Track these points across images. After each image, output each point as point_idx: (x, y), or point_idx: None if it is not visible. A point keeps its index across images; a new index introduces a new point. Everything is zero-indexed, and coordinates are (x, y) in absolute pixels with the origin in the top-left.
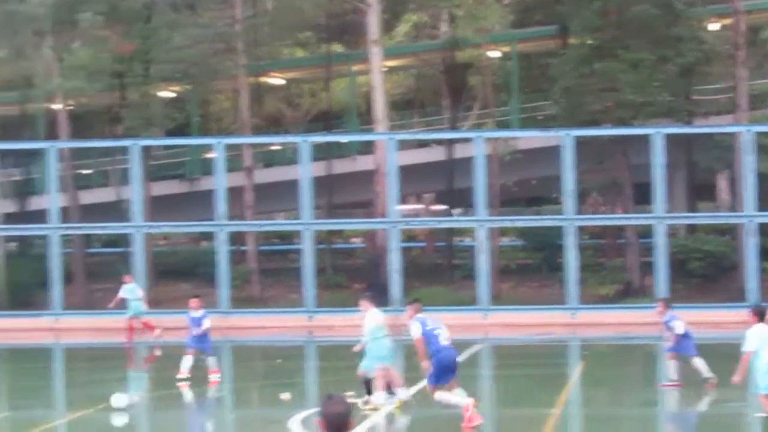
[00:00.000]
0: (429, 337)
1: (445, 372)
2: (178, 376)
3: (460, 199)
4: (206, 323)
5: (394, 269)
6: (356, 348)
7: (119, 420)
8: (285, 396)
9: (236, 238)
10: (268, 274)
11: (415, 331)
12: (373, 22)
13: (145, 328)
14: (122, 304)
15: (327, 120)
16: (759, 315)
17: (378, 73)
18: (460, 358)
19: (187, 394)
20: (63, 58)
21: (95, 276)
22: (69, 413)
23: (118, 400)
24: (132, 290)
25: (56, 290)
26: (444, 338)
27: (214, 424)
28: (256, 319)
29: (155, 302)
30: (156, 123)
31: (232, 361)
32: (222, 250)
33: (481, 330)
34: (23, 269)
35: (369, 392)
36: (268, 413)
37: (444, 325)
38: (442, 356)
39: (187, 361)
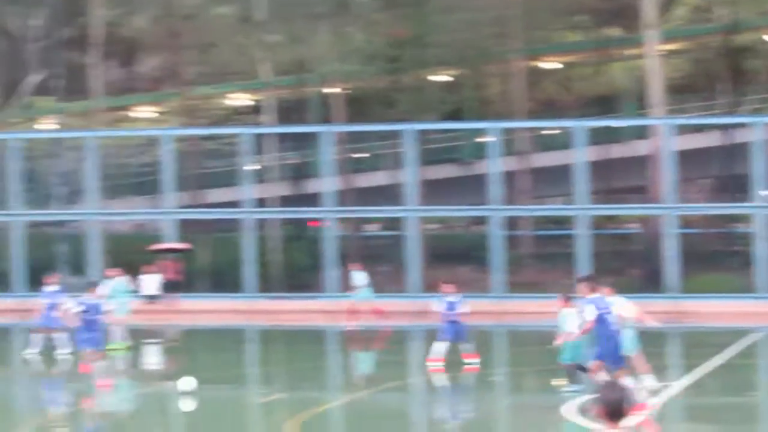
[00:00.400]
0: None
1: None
2: (430, 362)
3: (736, 185)
4: (462, 308)
5: (670, 255)
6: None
7: (396, 402)
8: (558, 382)
9: (511, 223)
10: (543, 259)
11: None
12: (649, 5)
13: (374, 313)
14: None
15: (602, 104)
16: None
17: (654, 57)
18: (736, 347)
19: (441, 379)
20: (338, 43)
21: (370, 259)
22: (343, 395)
23: (184, 383)
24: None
25: (331, 273)
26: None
27: (486, 410)
28: (531, 304)
29: (430, 287)
30: (430, 107)
31: (505, 346)
32: (496, 235)
33: (761, 318)
34: (299, 252)
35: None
36: (542, 399)
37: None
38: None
39: (439, 347)
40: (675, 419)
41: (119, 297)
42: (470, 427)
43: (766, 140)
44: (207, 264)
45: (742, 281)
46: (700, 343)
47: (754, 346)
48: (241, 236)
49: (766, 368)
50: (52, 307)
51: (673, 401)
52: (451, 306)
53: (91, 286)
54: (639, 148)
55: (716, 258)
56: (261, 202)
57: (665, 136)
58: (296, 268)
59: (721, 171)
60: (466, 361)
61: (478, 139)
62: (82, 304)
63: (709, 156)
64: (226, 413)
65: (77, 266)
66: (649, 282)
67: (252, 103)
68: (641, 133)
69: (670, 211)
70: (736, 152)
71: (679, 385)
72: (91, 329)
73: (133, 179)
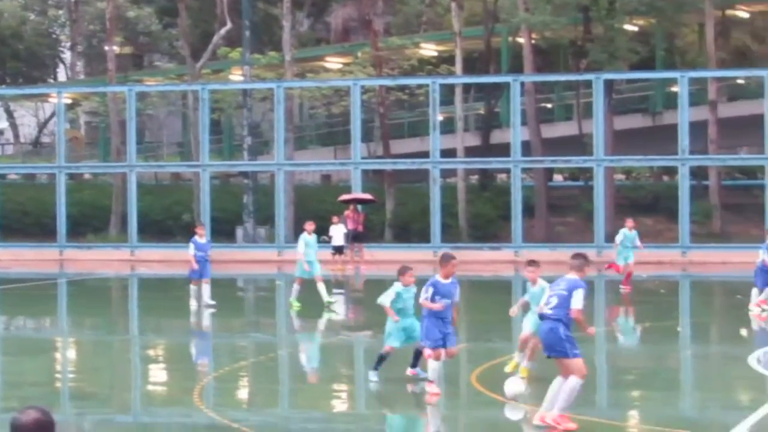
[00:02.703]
0: None
1: None
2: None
3: None
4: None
5: None
6: None
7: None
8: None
9: (699, 173)
10: (731, 210)
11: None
12: None
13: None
14: None
15: None
16: None
17: None
18: None
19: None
20: None
21: (556, 210)
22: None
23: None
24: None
25: (517, 224)
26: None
27: (676, 358)
28: (717, 254)
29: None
30: (620, 57)
31: (692, 297)
32: (684, 185)
33: None
34: (485, 202)
35: None
36: (727, 349)
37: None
38: None
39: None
40: None
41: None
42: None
43: None
44: (393, 215)
45: None
46: None
47: None
48: (428, 187)
49: None
50: (204, 258)
51: None
52: None
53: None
54: None
55: None
56: (448, 153)
57: None
58: (482, 219)
59: None
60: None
61: (668, 89)
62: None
63: None
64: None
65: (264, 217)
66: None
67: (441, 53)
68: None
69: None
70: None
71: None
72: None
73: (321, 130)
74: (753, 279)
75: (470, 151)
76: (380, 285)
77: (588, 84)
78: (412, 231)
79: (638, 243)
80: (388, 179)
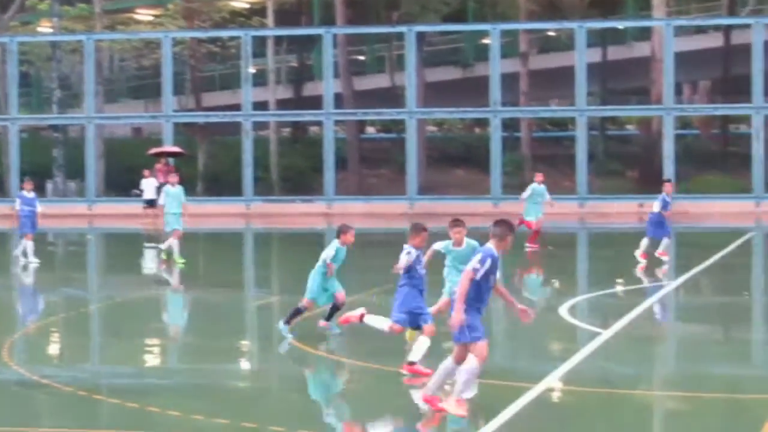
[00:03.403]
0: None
1: None
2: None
3: (736, 87)
4: None
5: (668, 156)
6: None
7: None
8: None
9: (510, 125)
10: (542, 161)
11: None
12: None
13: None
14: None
15: (604, 6)
16: None
17: None
18: (732, 247)
19: None
20: None
21: (369, 162)
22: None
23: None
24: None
25: (330, 176)
26: None
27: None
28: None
29: (427, 189)
30: (432, 8)
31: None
32: (495, 137)
33: (754, 218)
34: (297, 155)
35: None
36: (540, 300)
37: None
38: None
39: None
40: (669, 318)
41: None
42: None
43: (766, 41)
44: (205, 168)
45: (740, 182)
46: (696, 244)
47: (749, 246)
48: (240, 140)
49: (761, 267)
50: (30, 213)
51: (667, 299)
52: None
53: None
54: (639, 49)
55: (714, 159)
56: (260, 106)
57: (666, 37)
58: (295, 172)
59: (720, 72)
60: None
61: (480, 41)
62: None
63: (708, 57)
64: (219, 316)
65: (74, 171)
66: (646, 183)
67: (253, 5)
68: (642, 34)
69: (669, 112)
70: (736, 54)
71: (674, 284)
72: None
73: (132, 83)
74: (645, 228)
75: (283, 104)
76: (192, 238)
77: (400, 36)
78: (224, 184)
79: (548, 197)
80: (200, 132)
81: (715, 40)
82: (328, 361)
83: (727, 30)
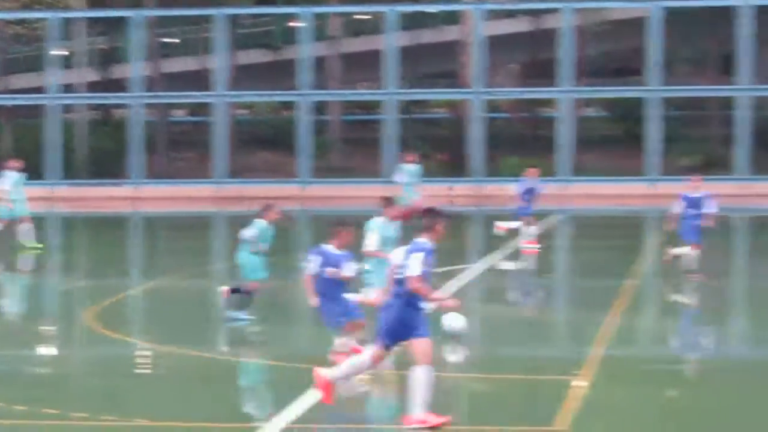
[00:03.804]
0: None
1: None
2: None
3: (544, 70)
4: None
5: (476, 139)
6: None
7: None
8: None
9: (320, 108)
10: (351, 144)
11: None
12: None
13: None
14: None
15: None
16: None
17: None
18: (541, 227)
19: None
20: None
21: (177, 145)
22: (145, 282)
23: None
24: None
25: (136, 159)
26: None
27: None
28: (336, 188)
29: (236, 172)
30: None
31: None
32: (305, 120)
33: (562, 200)
34: (105, 138)
35: None
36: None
37: None
38: None
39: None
40: (474, 300)
41: None
42: None
43: (573, 26)
44: (10, 150)
45: (546, 164)
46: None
47: (554, 228)
48: (46, 122)
49: (564, 249)
50: None
51: (471, 284)
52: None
53: None
54: (449, 33)
55: (521, 142)
56: (68, 88)
57: (475, 21)
58: (102, 154)
59: (529, 56)
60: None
61: (290, 24)
62: None
63: (517, 41)
64: (19, 302)
65: None
66: (455, 166)
67: None
68: (452, 18)
69: (477, 95)
70: (544, 38)
71: (477, 267)
72: None
73: None
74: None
75: (91, 87)
76: None
77: (211, 18)
78: (30, 167)
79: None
80: (5, 115)
81: (524, 24)
82: (130, 346)
83: (536, 14)
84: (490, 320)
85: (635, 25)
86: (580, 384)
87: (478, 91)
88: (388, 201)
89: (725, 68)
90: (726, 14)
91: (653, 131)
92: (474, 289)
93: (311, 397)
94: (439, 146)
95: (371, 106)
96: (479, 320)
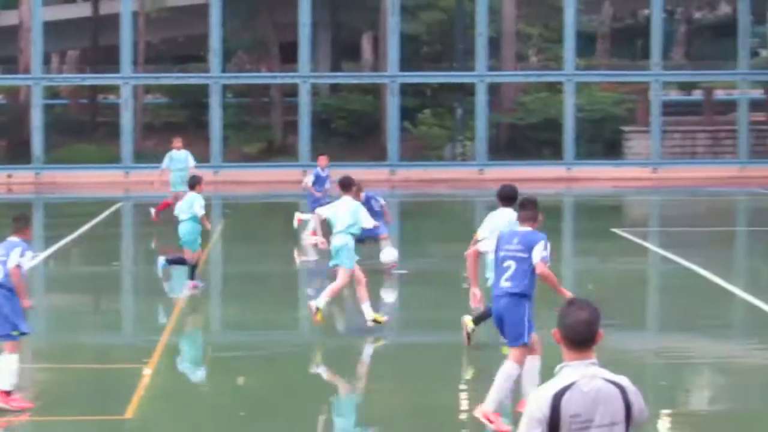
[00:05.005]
0: None
1: None
2: None
3: (105, 56)
4: None
5: (36, 126)
6: None
7: None
8: None
9: None
10: None
11: None
12: None
13: None
14: None
15: None
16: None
17: None
18: (102, 217)
19: None
20: None
21: None
22: None
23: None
24: None
25: None
26: None
27: None
28: None
29: None
30: None
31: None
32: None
33: (124, 188)
34: None
35: None
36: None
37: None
38: None
39: None
40: (45, 289)
41: None
42: None
43: (133, 12)
44: None
45: (109, 151)
46: (65, 214)
47: (119, 216)
48: None
49: (130, 236)
50: None
51: (36, 271)
52: None
53: None
54: (8, 17)
55: (83, 129)
56: None
57: (34, 6)
58: None
59: (89, 42)
60: None
61: None
62: None
63: (78, 27)
64: None
65: None
66: (16, 153)
67: None
68: (11, 2)
69: (37, 82)
70: (105, 23)
71: (43, 255)
72: None
73: None
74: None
75: None
76: None
77: None
78: None
79: (191, 162)
80: None
81: (84, 10)
82: None
83: (96, 0)
84: (60, 309)
85: (198, 12)
86: (148, 372)
87: (38, 77)
88: None
89: (287, 56)
90: (286, 2)
91: (215, 118)
92: (39, 275)
93: None
94: None
95: None
96: (48, 309)
